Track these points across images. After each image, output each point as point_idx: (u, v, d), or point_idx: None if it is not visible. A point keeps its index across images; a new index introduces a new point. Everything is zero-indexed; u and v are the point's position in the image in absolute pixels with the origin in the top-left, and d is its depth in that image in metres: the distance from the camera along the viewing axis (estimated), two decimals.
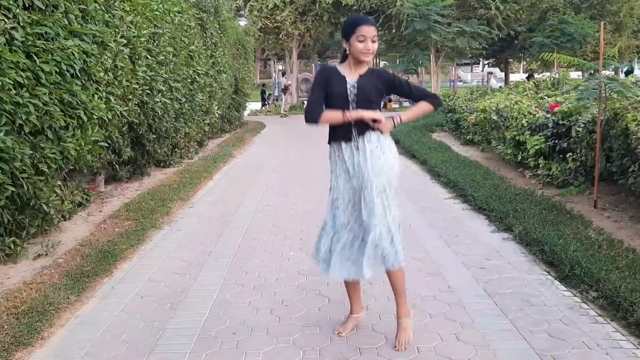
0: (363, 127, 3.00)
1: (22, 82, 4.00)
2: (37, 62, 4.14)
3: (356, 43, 2.94)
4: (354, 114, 2.97)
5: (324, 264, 3.18)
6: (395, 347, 3.07)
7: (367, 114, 2.97)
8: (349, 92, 3.01)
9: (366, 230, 2.97)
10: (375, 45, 2.97)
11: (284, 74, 26.37)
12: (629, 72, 27.20)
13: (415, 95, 3.15)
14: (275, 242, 5.17)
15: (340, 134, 3.04)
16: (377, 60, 43.23)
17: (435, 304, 3.68)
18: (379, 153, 3.00)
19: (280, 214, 6.22)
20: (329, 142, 3.13)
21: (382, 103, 27.62)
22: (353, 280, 3.22)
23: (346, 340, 3.19)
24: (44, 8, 4.35)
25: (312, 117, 3.01)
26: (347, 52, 3.02)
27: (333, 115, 2.99)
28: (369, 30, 2.93)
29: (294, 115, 24.63)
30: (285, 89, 24.13)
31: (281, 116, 22.38)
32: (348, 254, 3.09)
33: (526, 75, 34.15)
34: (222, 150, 11.32)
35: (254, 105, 25.89)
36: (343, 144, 3.05)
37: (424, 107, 3.11)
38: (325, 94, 3.03)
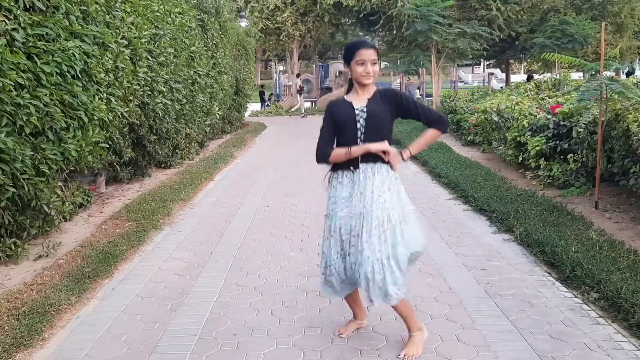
0: (372, 156, 2.93)
1: (23, 83, 4.00)
2: (38, 63, 4.14)
3: (356, 67, 2.91)
4: (359, 149, 2.91)
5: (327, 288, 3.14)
6: (399, 355, 3.01)
7: (375, 147, 2.90)
8: (357, 117, 2.95)
9: (359, 262, 2.88)
10: (376, 68, 2.93)
11: (298, 75, 26.57)
12: (630, 73, 27.16)
13: (422, 118, 3.03)
14: (275, 243, 5.17)
15: (344, 162, 2.98)
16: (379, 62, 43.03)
17: (436, 305, 3.67)
18: (385, 187, 2.92)
19: (280, 215, 6.22)
20: (333, 168, 3.06)
21: None
22: (350, 292, 3.17)
23: (347, 342, 3.19)
24: (44, 9, 4.35)
25: (321, 158, 3.01)
26: (350, 77, 3.01)
27: (339, 154, 2.95)
28: (367, 54, 2.89)
29: (293, 116, 24.65)
30: (300, 90, 24.38)
31: (302, 116, 22.60)
32: (344, 278, 3.03)
33: (526, 76, 34.21)
34: (222, 151, 11.32)
35: (255, 106, 25.91)
36: (347, 171, 2.99)
37: (432, 135, 3.05)
38: (333, 128, 2.99)
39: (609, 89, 5.67)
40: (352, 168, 2.96)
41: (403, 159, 2.98)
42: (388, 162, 2.96)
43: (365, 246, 2.86)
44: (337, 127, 2.99)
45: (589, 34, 21.52)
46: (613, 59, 6.52)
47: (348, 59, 2.95)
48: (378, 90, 3.03)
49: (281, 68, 36.99)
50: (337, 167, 3.03)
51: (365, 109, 2.95)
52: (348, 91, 3.09)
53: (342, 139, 2.99)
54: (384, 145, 2.91)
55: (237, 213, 6.39)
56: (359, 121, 2.95)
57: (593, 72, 7.68)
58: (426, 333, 3.14)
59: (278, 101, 29.35)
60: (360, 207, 2.92)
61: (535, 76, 21.64)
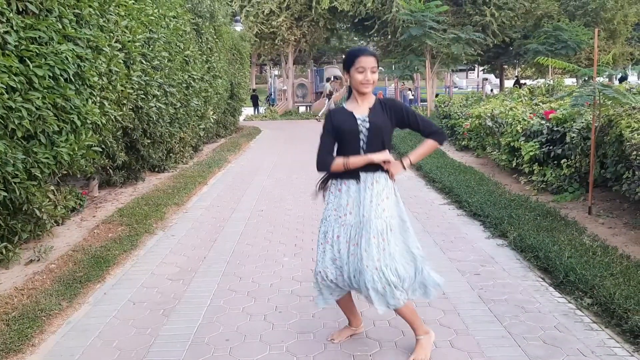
0: (372, 165, 2.92)
1: (15, 86, 3.97)
2: (31, 66, 4.12)
3: (355, 74, 2.89)
4: (362, 159, 2.90)
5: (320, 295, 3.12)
6: None
7: (377, 157, 2.89)
8: (360, 127, 2.92)
9: (360, 271, 2.87)
10: (376, 76, 2.91)
11: (328, 79, 26.76)
12: (623, 79, 27.37)
13: (422, 129, 3.02)
14: (269, 247, 5.15)
15: (347, 171, 2.95)
16: None
17: (430, 310, 3.66)
18: (384, 196, 2.92)
19: (274, 220, 6.20)
20: (332, 176, 3.04)
21: None
22: (339, 297, 3.14)
23: (340, 347, 3.17)
24: (37, 12, 4.33)
25: (322, 167, 2.98)
26: (349, 84, 3.00)
27: (338, 165, 2.93)
28: (367, 61, 2.87)
29: (289, 120, 24.67)
30: (330, 94, 24.84)
31: (317, 120, 22.98)
32: (336, 285, 3.03)
33: (513, 81, 34.63)
34: (217, 155, 11.30)
35: (249, 111, 25.92)
36: (348, 180, 2.97)
37: (430, 145, 3.03)
38: (334, 137, 2.97)
39: (602, 95, 5.69)
40: (353, 178, 2.95)
41: (404, 168, 2.97)
42: (387, 171, 2.95)
43: (365, 255, 2.85)
44: (339, 136, 2.97)
45: (582, 40, 21.69)
46: (606, 64, 6.55)
47: (348, 66, 2.93)
48: (378, 99, 3.02)
49: (276, 72, 36.99)
50: (337, 175, 3.01)
51: (367, 119, 2.93)
52: (348, 97, 3.08)
53: (343, 148, 2.97)
54: (385, 156, 2.91)
55: (231, 217, 6.36)
56: (361, 131, 2.93)
57: (586, 78, 7.72)
58: (433, 335, 3.13)
59: (273, 105, 29.36)
60: (359, 216, 2.92)
61: (529, 82, 21.75)
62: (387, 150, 2.94)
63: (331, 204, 3.02)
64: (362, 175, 2.94)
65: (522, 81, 31.28)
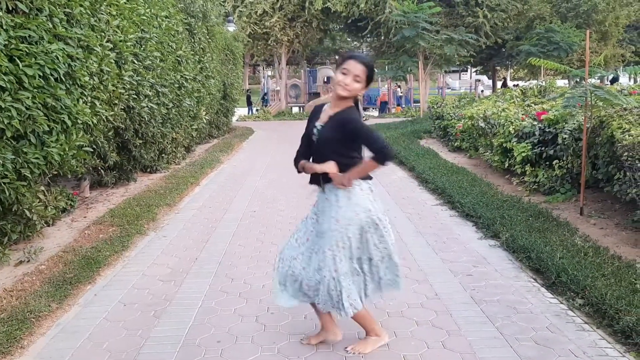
0: (327, 175, 2.95)
1: (5, 86, 3.93)
2: (20, 65, 4.08)
3: (338, 73, 2.89)
4: (309, 166, 3.00)
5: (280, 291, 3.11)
6: (346, 347, 3.10)
7: (319, 167, 2.94)
8: (313, 135, 3.01)
9: (319, 280, 2.96)
10: (356, 85, 2.83)
11: (329, 79, 26.73)
12: (614, 80, 27.54)
13: (368, 148, 2.88)
14: (261, 248, 5.13)
15: (312, 177, 3.06)
16: None
17: (422, 311, 3.66)
18: (337, 207, 2.93)
19: (267, 221, 6.18)
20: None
21: (388, 109, 28.22)
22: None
23: (332, 348, 3.15)
24: (27, 11, 4.29)
25: (295, 167, 3.13)
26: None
27: (301, 166, 3.07)
28: (354, 67, 2.81)
29: (282, 120, 24.65)
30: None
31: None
32: (299, 285, 3.05)
33: (501, 82, 34.93)
34: (209, 156, 11.26)
35: (242, 111, 25.86)
36: (316, 187, 3.06)
37: (367, 165, 2.89)
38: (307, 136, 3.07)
39: (593, 96, 5.71)
40: (317, 185, 3.03)
41: (344, 185, 2.89)
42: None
43: (322, 264, 2.93)
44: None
45: (574, 42, 21.82)
46: (598, 66, 6.58)
47: (338, 66, 2.94)
48: (342, 111, 2.92)
49: (269, 73, 36.95)
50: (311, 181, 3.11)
51: (319, 128, 2.97)
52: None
53: (303, 148, 3.11)
54: (325, 167, 2.91)
55: (223, 218, 6.34)
56: (313, 140, 3.00)
57: (578, 79, 7.75)
58: (384, 341, 3.15)
59: (266, 106, 29.32)
60: (317, 226, 3.02)
61: (521, 83, 21.83)
62: (331, 162, 2.89)
63: (313, 206, 3.14)
64: (326, 185, 2.98)
65: (512, 83, 31.51)
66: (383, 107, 29.34)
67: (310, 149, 3.05)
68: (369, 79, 2.88)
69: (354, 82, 2.84)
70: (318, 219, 3.04)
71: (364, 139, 2.90)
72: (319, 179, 3.00)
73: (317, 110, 3.08)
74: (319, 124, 2.99)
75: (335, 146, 2.92)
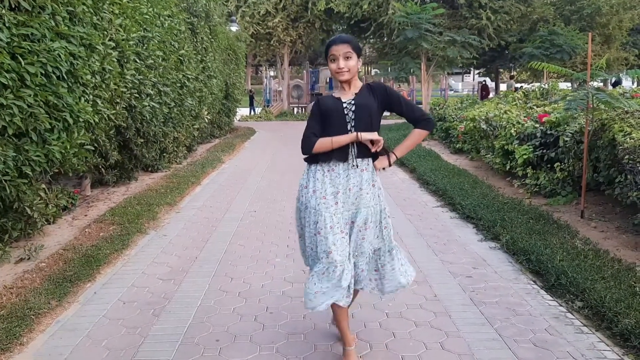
0: (363, 150, 2.86)
1: (7, 83, 3.95)
2: (23, 63, 4.09)
3: (330, 64, 2.87)
4: (348, 137, 2.82)
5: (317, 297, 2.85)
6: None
7: (366, 136, 2.81)
8: (345, 110, 2.86)
9: (361, 254, 2.90)
10: (351, 62, 2.82)
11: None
12: (617, 84, 27.48)
13: (405, 113, 2.95)
14: (261, 248, 5.13)
15: (335, 153, 2.85)
16: (369, 68, 43.34)
17: (421, 312, 3.66)
18: (371, 185, 2.89)
19: (267, 220, 6.18)
20: (317, 160, 2.90)
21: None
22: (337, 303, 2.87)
23: (330, 349, 3.16)
24: (30, 9, 4.30)
25: (305, 149, 2.87)
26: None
27: (324, 144, 2.83)
28: (338, 49, 2.80)
29: (283, 121, 24.67)
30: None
31: None
32: (330, 283, 2.82)
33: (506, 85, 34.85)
34: (211, 156, 11.27)
35: (244, 111, 25.88)
36: (336, 164, 2.87)
37: (417, 134, 2.95)
38: (320, 121, 2.89)
39: (595, 99, 5.71)
40: (343, 161, 2.86)
41: (389, 164, 2.94)
42: (373, 158, 2.92)
43: (363, 243, 2.91)
44: (325, 119, 2.88)
45: (577, 45, 21.78)
46: (600, 69, 6.57)
47: (326, 58, 2.91)
48: (365, 84, 2.97)
49: (272, 73, 36.98)
50: (324, 158, 2.87)
51: (353, 102, 2.88)
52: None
53: (331, 132, 2.86)
54: (374, 135, 2.84)
55: (223, 218, 6.34)
56: (347, 114, 2.86)
57: (580, 82, 7.74)
58: (354, 344, 3.05)
59: (268, 106, 29.32)
60: (350, 204, 2.87)
61: (525, 85, 21.81)
62: (375, 132, 2.88)
63: (318, 191, 2.86)
64: (352, 157, 2.87)
65: (517, 85, 31.53)
66: None
67: (332, 131, 2.85)
68: (357, 49, 2.86)
69: (346, 61, 2.83)
70: (346, 197, 2.86)
71: (404, 104, 2.96)
72: (348, 153, 2.86)
73: (323, 100, 2.96)
74: (348, 99, 2.88)
75: (374, 114, 2.89)
